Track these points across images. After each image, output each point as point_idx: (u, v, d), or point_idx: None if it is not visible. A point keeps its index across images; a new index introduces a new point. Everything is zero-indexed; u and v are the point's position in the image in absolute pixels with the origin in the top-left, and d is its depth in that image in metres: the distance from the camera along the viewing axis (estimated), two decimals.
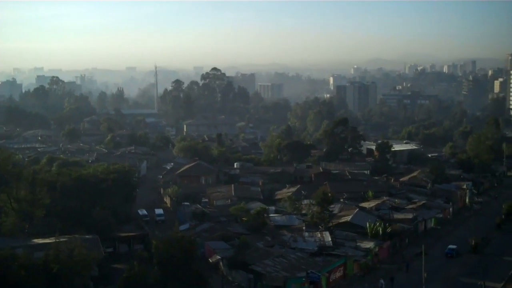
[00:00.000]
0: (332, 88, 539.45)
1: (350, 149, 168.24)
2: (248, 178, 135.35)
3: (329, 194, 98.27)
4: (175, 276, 66.57)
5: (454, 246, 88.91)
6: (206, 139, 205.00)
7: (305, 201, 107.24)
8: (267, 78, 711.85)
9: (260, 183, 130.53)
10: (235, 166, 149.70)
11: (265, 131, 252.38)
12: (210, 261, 79.05)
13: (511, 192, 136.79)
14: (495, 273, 79.99)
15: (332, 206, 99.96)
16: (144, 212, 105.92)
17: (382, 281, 73.36)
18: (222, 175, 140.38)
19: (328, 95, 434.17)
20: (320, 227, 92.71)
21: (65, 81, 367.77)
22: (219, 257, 78.46)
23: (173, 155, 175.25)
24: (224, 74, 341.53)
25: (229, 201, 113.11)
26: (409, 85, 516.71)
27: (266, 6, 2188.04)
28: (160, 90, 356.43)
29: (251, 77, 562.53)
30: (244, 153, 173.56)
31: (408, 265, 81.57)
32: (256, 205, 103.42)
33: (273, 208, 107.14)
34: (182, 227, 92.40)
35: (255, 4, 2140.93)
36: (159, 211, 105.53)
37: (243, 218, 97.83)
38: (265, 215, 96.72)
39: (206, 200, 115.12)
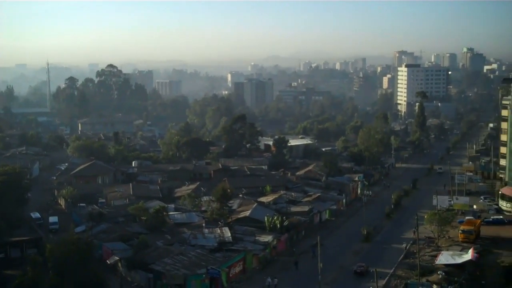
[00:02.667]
0: (230, 85, 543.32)
1: (248, 145, 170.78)
2: (146, 177, 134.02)
3: (228, 190, 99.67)
4: (71, 280, 64.88)
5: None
6: (102, 137, 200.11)
7: (205, 198, 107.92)
8: (165, 75, 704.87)
9: (159, 181, 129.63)
10: (133, 164, 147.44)
11: (163, 129, 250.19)
12: (108, 262, 77.66)
13: (400, 182, 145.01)
14: (385, 260, 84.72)
15: (231, 201, 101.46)
16: (37, 215, 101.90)
17: (269, 279, 74.71)
18: (120, 174, 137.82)
19: (226, 92, 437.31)
20: (219, 223, 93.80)
21: None
22: (117, 258, 77.31)
23: (68, 155, 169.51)
24: (120, 71, 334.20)
25: (127, 200, 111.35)
26: (303, 81, 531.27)
27: (162, 3, 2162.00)
28: (53, 88, 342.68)
29: (149, 74, 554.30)
30: (142, 151, 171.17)
31: (314, 251, 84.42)
32: (155, 204, 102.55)
33: (172, 206, 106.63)
34: (78, 229, 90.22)
35: (152, 1, 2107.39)
36: (53, 219, 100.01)
37: (142, 218, 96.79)
38: (164, 213, 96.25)
39: (103, 200, 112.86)
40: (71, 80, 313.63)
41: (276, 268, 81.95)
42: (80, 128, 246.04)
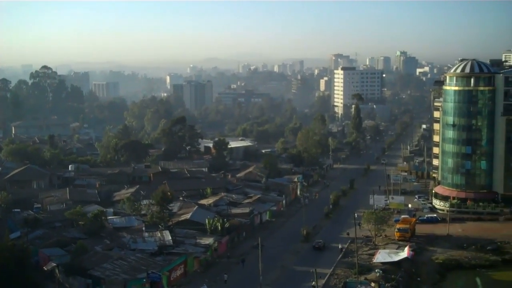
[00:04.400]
0: (169, 87, 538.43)
1: (188, 147, 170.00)
2: (84, 181, 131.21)
3: (168, 193, 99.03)
4: None
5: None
6: (37, 141, 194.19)
7: (145, 201, 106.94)
8: (102, 76, 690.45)
9: (97, 185, 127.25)
10: (69, 168, 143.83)
11: (101, 131, 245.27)
12: (45, 269, 75.62)
13: (338, 182, 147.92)
14: (325, 260, 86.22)
15: (171, 204, 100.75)
16: None
17: (205, 286, 74.73)
18: (56, 179, 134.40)
19: (165, 94, 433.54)
20: (160, 226, 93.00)
21: None
22: (55, 264, 75.37)
23: (1, 159, 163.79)
24: (55, 72, 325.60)
25: (64, 205, 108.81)
26: (243, 84, 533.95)
27: (97, 3, 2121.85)
28: None
29: (85, 75, 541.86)
30: (79, 154, 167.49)
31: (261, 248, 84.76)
32: (93, 208, 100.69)
33: (111, 210, 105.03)
34: (13, 235, 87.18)
35: (87, 1, 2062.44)
36: None
37: (80, 222, 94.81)
38: (103, 217, 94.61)
39: (39, 205, 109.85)
40: (4, 81, 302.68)
41: (218, 269, 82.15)
42: (13, 132, 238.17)
